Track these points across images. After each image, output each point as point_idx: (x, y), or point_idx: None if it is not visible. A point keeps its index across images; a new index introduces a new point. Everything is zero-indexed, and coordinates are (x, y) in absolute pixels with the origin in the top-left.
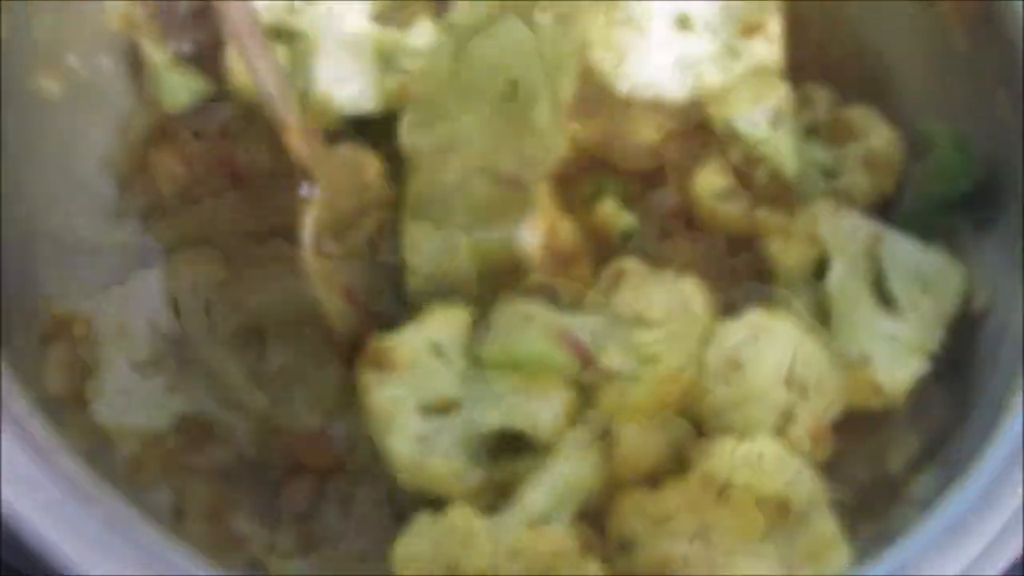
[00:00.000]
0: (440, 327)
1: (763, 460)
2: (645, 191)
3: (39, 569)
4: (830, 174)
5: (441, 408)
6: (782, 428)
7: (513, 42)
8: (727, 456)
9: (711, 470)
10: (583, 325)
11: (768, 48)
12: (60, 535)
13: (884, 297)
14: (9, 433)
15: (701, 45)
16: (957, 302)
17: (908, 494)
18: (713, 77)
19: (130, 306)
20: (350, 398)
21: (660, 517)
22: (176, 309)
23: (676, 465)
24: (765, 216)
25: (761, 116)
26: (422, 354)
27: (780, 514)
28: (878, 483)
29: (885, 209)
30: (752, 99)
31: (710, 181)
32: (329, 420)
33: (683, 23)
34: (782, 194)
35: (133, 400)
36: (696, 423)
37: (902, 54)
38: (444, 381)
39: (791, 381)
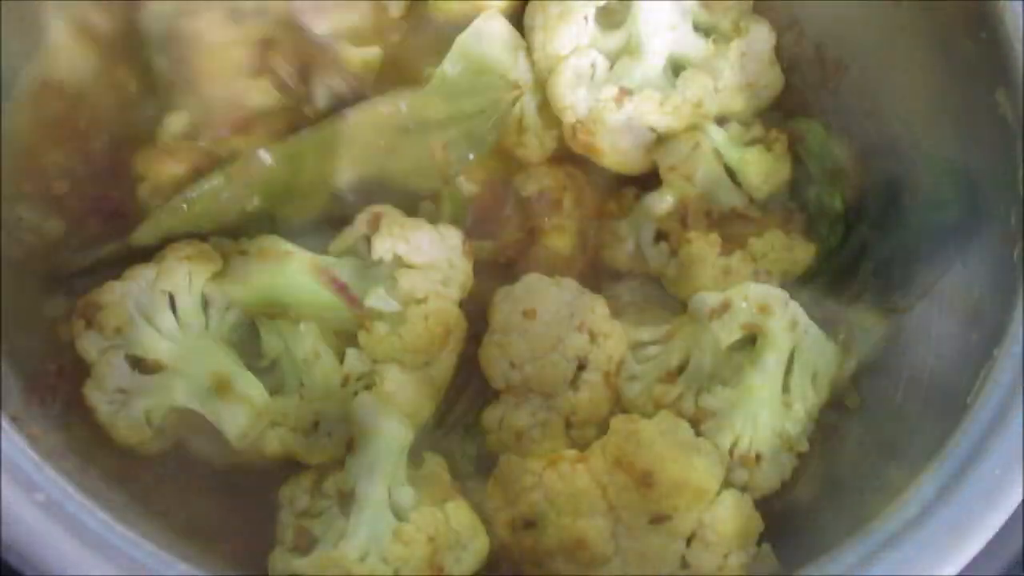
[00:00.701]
0: (177, 274)
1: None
2: (639, 194)
3: (39, 569)
4: (792, 187)
5: (151, 368)
6: (576, 381)
7: None
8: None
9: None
10: (341, 265)
11: (747, 59)
12: (60, 535)
13: (784, 388)
14: (9, 433)
15: (693, 47)
16: (835, 391)
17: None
18: (703, 82)
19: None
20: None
21: (565, 494)
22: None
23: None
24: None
25: (732, 129)
26: (140, 309)
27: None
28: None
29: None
30: (725, 112)
31: (657, 204)
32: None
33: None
34: (746, 210)
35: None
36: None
37: (900, 55)
38: (156, 343)
39: (581, 327)
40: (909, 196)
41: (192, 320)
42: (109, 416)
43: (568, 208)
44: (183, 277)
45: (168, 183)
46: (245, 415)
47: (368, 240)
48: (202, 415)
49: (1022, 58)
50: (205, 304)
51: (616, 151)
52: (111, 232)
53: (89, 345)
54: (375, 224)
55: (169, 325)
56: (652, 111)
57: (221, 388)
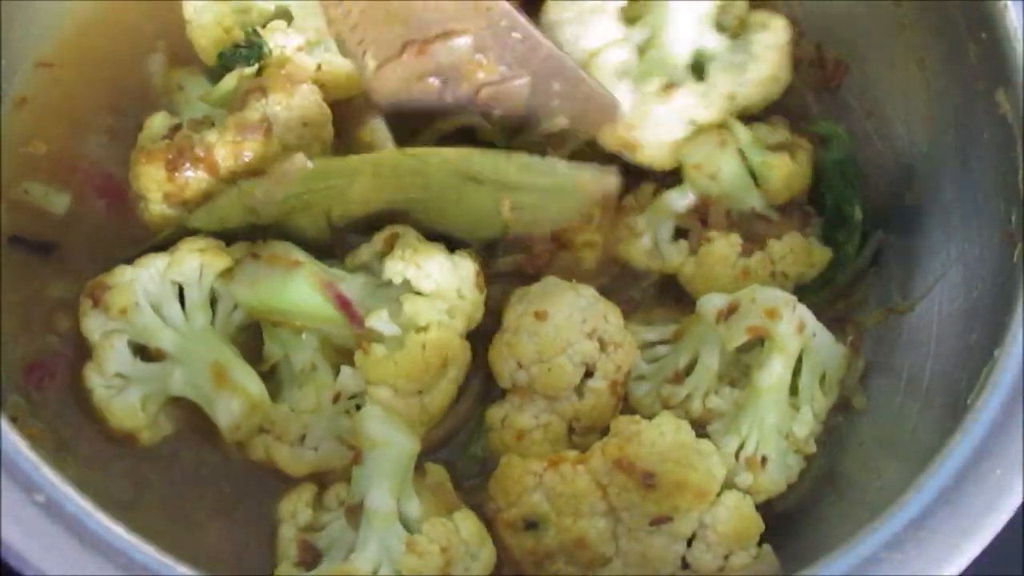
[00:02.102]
0: (188, 266)
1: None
2: (657, 189)
3: (39, 569)
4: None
5: (153, 357)
6: (581, 387)
7: None
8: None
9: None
10: (351, 281)
11: (770, 51)
12: (60, 535)
13: (792, 390)
14: (9, 433)
15: (715, 43)
16: (843, 395)
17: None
18: (733, 74)
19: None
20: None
21: (566, 495)
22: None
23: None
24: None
25: (759, 130)
26: (148, 296)
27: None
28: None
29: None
30: (748, 106)
31: (678, 201)
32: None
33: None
34: (765, 211)
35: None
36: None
37: (900, 55)
38: (160, 331)
39: (592, 334)
40: (909, 196)
41: (199, 313)
42: (104, 400)
43: (598, 221)
44: (194, 269)
45: (151, 184)
46: (239, 405)
47: (382, 259)
48: (200, 408)
49: (1022, 58)
50: (213, 300)
51: (657, 145)
52: (116, 213)
53: (94, 326)
54: (389, 244)
55: (175, 315)
56: (696, 103)
57: (218, 377)
